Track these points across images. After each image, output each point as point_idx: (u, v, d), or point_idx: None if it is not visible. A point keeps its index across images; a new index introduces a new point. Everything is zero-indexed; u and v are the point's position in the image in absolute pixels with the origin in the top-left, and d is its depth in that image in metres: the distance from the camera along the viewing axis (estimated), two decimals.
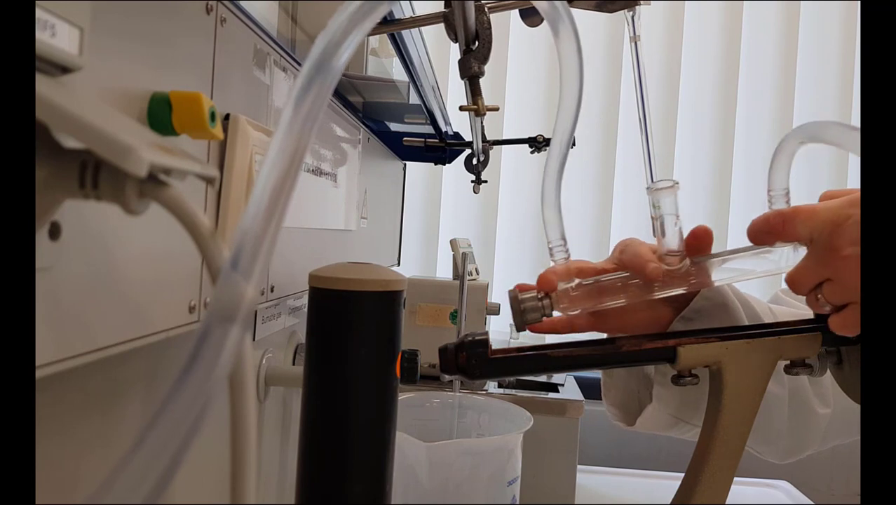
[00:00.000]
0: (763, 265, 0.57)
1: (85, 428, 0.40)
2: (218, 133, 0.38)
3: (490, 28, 0.56)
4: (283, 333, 0.76)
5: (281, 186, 0.26)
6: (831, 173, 2.02)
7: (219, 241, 0.28)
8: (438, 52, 1.71)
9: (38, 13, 0.24)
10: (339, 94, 0.89)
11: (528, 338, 1.39)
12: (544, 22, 0.62)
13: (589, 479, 1.37)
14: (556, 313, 0.58)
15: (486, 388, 1.25)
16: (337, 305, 0.47)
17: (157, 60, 0.39)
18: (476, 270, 1.41)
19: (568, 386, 1.33)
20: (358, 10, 0.29)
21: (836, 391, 0.74)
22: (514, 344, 0.61)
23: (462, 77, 0.58)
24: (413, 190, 1.94)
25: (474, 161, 1.24)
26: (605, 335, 0.64)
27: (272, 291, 0.65)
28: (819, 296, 0.54)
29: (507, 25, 1.90)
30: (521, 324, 0.58)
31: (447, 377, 0.60)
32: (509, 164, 1.98)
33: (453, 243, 1.37)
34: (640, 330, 0.62)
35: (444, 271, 1.97)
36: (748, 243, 0.58)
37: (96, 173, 0.26)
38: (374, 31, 0.67)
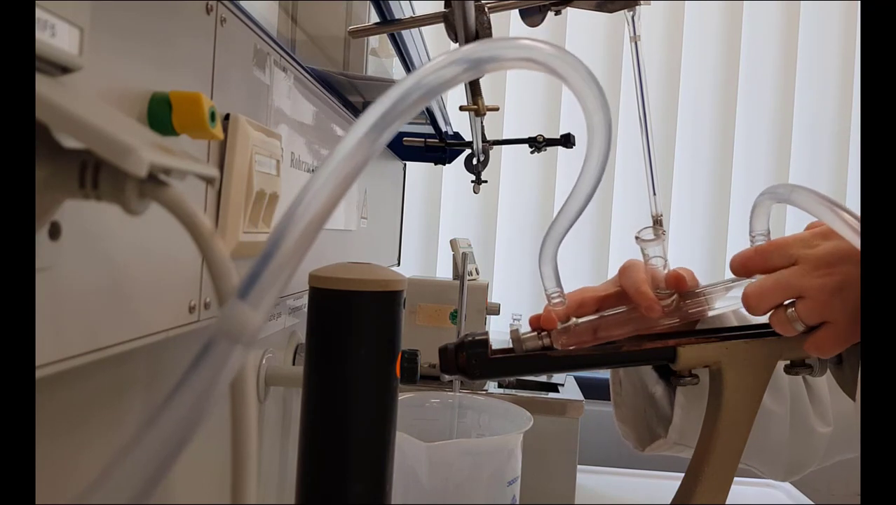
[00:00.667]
0: None
1: (85, 428, 0.40)
2: (218, 133, 0.38)
3: (490, 28, 0.56)
4: (283, 333, 0.76)
5: (312, 229, 0.25)
6: (831, 173, 2.02)
7: (219, 242, 0.28)
8: (438, 52, 1.71)
9: (38, 13, 0.24)
10: (339, 94, 0.89)
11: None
12: (544, 21, 0.62)
13: (589, 479, 1.37)
14: None
15: (486, 388, 1.25)
16: (337, 305, 0.47)
17: (157, 60, 0.39)
18: (476, 269, 1.41)
19: (568, 386, 1.33)
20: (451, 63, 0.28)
21: (837, 409, 0.74)
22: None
23: None
24: (413, 190, 1.94)
25: (474, 161, 1.24)
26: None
27: None
28: (790, 311, 0.54)
29: (507, 25, 1.90)
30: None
31: (447, 377, 0.61)
32: (509, 164, 1.98)
33: (453, 243, 1.37)
34: None
35: (444, 271, 1.97)
36: (748, 243, 0.58)
37: (96, 173, 0.26)
38: (373, 32, 0.67)
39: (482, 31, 0.56)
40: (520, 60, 0.31)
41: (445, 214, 2.00)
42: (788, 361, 0.59)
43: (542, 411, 1.16)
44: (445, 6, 0.57)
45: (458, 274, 1.17)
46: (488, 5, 0.57)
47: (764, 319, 0.66)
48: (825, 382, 0.75)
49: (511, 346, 0.58)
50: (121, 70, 0.35)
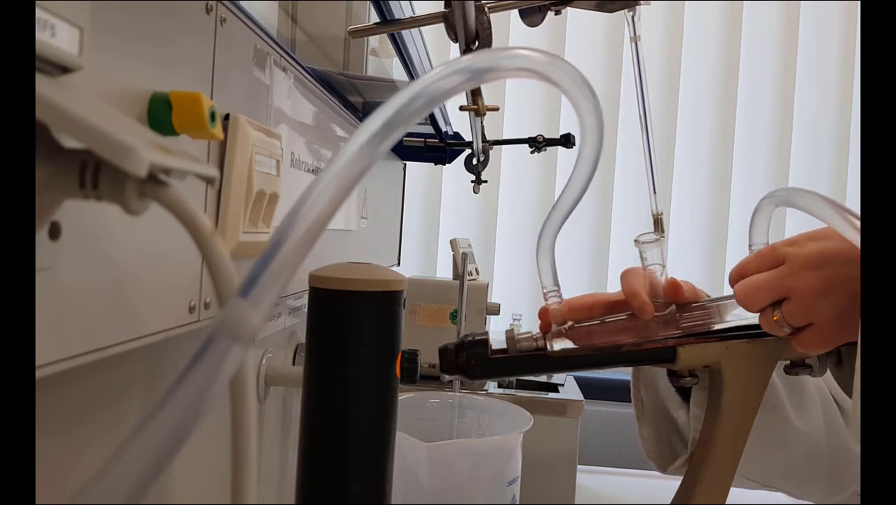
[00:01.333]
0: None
1: (85, 428, 0.40)
2: (218, 133, 0.38)
3: (490, 28, 0.56)
4: (283, 333, 0.76)
5: (313, 232, 0.25)
6: (831, 173, 2.02)
7: (219, 241, 0.28)
8: (438, 52, 1.71)
9: (38, 13, 0.24)
10: (339, 94, 0.89)
11: None
12: (544, 21, 0.62)
13: (589, 479, 1.37)
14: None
15: (486, 388, 1.25)
16: (337, 305, 0.47)
17: (157, 60, 0.39)
18: (476, 269, 1.41)
19: (568, 386, 1.33)
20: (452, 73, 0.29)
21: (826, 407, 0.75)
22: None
23: None
24: (413, 190, 1.93)
25: (474, 161, 1.24)
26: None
27: None
28: (776, 316, 0.54)
29: (507, 25, 1.90)
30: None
31: (447, 377, 0.61)
32: (509, 164, 1.98)
33: (453, 243, 1.37)
34: None
35: (444, 271, 1.97)
36: (748, 241, 0.58)
37: (96, 173, 0.26)
38: (373, 32, 0.67)
39: (482, 31, 0.56)
40: (518, 70, 0.32)
41: (445, 214, 2.00)
42: (788, 361, 0.59)
43: (542, 411, 1.16)
44: (445, 6, 0.57)
45: (458, 274, 1.17)
46: (488, 5, 0.57)
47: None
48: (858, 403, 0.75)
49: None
50: (121, 70, 0.35)
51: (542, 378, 1.35)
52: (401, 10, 0.64)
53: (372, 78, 1.01)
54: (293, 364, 0.79)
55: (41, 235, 0.29)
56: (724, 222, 2.00)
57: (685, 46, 1.99)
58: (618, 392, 1.85)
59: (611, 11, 0.59)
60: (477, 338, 0.57)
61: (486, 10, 0.56)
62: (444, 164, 1.47)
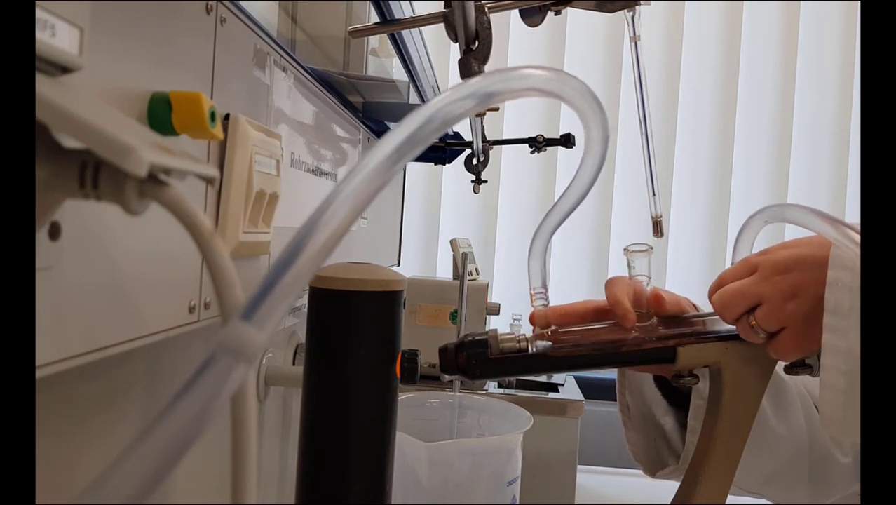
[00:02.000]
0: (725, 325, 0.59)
1: (85, 428, 0.40)
2: (218, 133, 0.38)
3: (490, 28, 0.56)
4: (283, 333, 0.76)
5: (321, 256, 0.25)
6: (831, 173, 2.02)
7: (219, 241, 0.28)
8: (438, 52, 1.71)
9: (38, 13, 0.24)
10: (339, 94, 0.89)
11: None
12: (544, 21, 0.62)
13: (589, 479, 1.37)
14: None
15: (486, 388, 1.25)
16: (337, 305, 0.47)
17: (157, 60, 0.39)
18: (476, 270, 1.41)
19: (568, 386, 1.33)
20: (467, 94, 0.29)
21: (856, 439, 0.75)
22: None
23: (462, 77, 0.58)
24: (413, 190, 1.93)
25: (474, 161, 1.24)
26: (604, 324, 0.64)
27: None
28: (752, 322, 0.55)
29: (507, 25, 1.90)
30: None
31: (447, 377, 0.61)
32: (509, 164, 1.98)
33: (453, 243, 1.37)
34: None
35: (444, 271, 1.97)
36: (731, 258, 0.60)
37: (96, 173, 0.26)
38: (373, 32, 0.67)
39: (482, 31, 0.56)
40: (528, 91, 0.32)
41: (445, 214, 2.00)
42: (788, 362, 0.59)
43: (542, 411, 1.16)
44: (445, 6, 0.57)
45: (458, 274, 1.17)
46: (488, 5, 0.57)
47: None
48: None
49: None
50: (121, 70, 0.35)
51: (542, 378, 1.35)
52: (401, 10, 0.64)
53: (372, 78, 1.01)
54: (293, 364, 0.79)
55: (41, 235, 0.29)
56: (723, 224, 2.00)
57: (685, 46, 1.99)
58: None
59: (611, 11, 0.59)
60: (477, 338, 0.57)
61: (486, 10, 0.56)
62: (444, 164, 1.47)
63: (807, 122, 2.01)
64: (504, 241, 1.99)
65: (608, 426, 1.58)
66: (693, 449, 0.63)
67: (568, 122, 1.95)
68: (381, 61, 0.98)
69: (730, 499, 0.60)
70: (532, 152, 1.24)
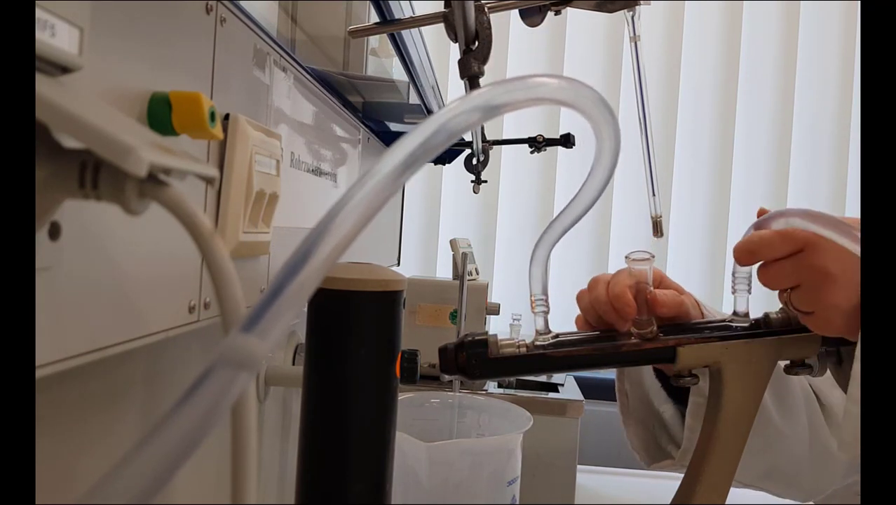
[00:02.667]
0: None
1: (85, 428, 0.40)
2: (218, 133, 0.38)
3: (490, 28, 0.56)
4: (283, 334, 0.76)
5: (324, 268, 0.25)
6: (831, 173, 2.02)
7: (219, 241, 0.28)
8: (438, 52, 1.71)
9: (38, 13, 0.24)
10: (339, 94, 0.89)
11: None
12: (544, 21, 0.62)
13: (589, 479, 1.37)
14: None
15: (486, 388, 1.25)
16: (337, 305, 0.47)
17: (157, 60, 0.39)
18: (476, 270, 1.41)
19: (568, 386, 1.33)
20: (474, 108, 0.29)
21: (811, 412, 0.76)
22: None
23: (462, 77, 0.58)
24: (413, 190, 1.93)
25: (474, 161, 1.24)
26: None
27: None
28: (787, 299, 0.56)
29: (507, 25, 1.90)
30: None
31: (447, 377, 0.61)
32: (509, 164, 1.98)
33: (453, 243, 1.37)
34: None
35: (444, 271, 1.97)
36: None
37: (96, 173, 0.26)
38: (373, 32, 0.67)
39: (482, 31, 0.56)
40: (538, 100, 0.32)
41: (445, 214, 2.00)
42: (788, 362, 0.59)
43: (542, 411, 1.16)
44: (445, 6, 0.57)
45: (458, 274, 1.16)
46: (488, 5, 0.57)
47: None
48: (842, 406, 0.77)
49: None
50: (121, 70, 0.35)
51: (542, 378, 1.35)
52: (401, 10, 0.64)
53: (372, 78, 1.01)
54: (293, 364, 0.79)
55: (41, 235, 0.29)
56: (724, 223, 2.00)
57: (685, 46, 1.99)
58: None
59: (611, 11, 0.59)
60: (477, 338, 0.57)
61: (486, 10, 0.56)
62: (444, 164, 1.47)
63: (807, 122, 2.01)
64: (504, 241, 1.99)
65: (608, 426, 1.58)
66: (692, 444, 0.63)
67: (568, 122, 1.95)
68: (381, 61, 0.98)
69: (742, 492, 0.60)
70: (532, 152, 1.24)
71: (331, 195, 0.84)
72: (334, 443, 0.47)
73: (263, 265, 0.59)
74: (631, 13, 0.58)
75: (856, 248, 0.46)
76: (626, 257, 0.57)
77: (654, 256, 0.57)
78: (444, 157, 1.43)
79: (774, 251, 0.55)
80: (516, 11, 0.61)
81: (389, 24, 0.64)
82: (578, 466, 1.20)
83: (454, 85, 1.86)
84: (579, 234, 1.97)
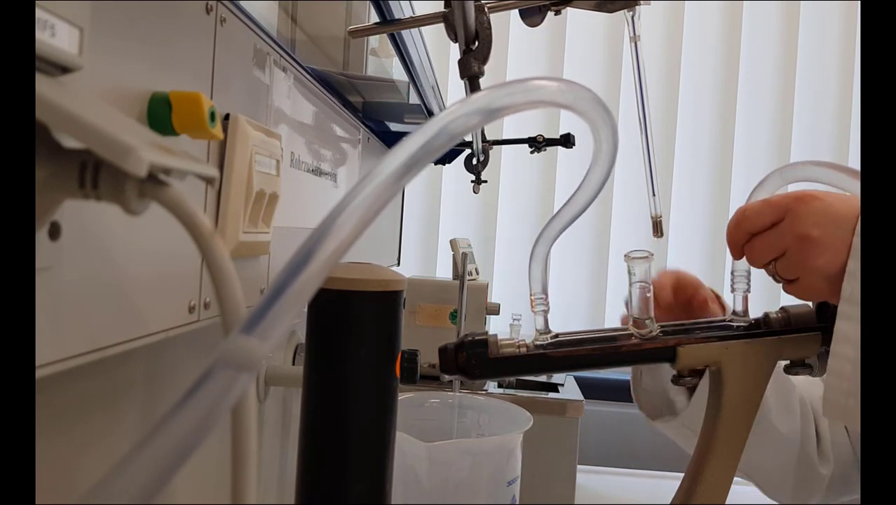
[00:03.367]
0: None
1: (85, 428, 0.40)
2: (218, 133, 0.38)
3: (490, 28, 0.56)
4: (284, 336, 0.76)
5: (326, 268, 0.25)
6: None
7: (219, 241, 0.28)
8: (438, 52, 1.71)
9: (38, 13, 0.24)
10: (339, 94, 0.89)
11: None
12: (544, 21, 0.62)
13: (589, 479, 1.37)
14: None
15: (486, 388, 1.25)
16: (337, 305, 0.47)
17: (157, 60, 0.39)
18: (476, 270, 1.41)
19: (568, 386, 1.33)
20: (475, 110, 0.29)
21: (836, 452, 0.78)
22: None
23: (462, 77, 0.58)
24: (413, 190, 1.93)
25: (474, 161, 1.24)
26: (605, 328, 0.64)
27: None
28: (773, 269, 0.57)
29: (507, 25, 1.90)
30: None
31: (447, 377, 0.61)
32: (509, 164, 1.98)
33: (453, 243, 1.37)
34: None
35: (444, 271, 1.97)
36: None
37: (96, 173, 0.26)
38: (373, 32, 0.67)
39: (482, 31, 0.56)
40: (537, 103, 0.32)
41: (445, 214, 2.00)
42: (788, 361, 0.59)
43: (542, 411, 1.16)
44: (445, 6, 0.57)
45: (458, 274, 1.16)
46: (488, 5, 0.57)
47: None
48: (830, 425, 0.79)
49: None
50: (121, 70, 0.35)
51: (542, 378, 1.35)
52: (401, 10, 0.64)
53: (372, 78, 1.01)
54: (293, 364, 0.79)
55: (41, 235, 0.29)
56: (723, 222, 1.99)
57: (685, 46, 1.99)
58: (618, 392, 1.84)
59: (611, 11, 0.59)
60: (477, 338, 0.57)
61: (486, 10, 0.56)
62: (444, 164, 1.47)
63: (807, 122, 2.01)
64: (504, 241, 1.99)
65: (608, 426, 1.59)
66: (698, 413, 0.63)
67: (568, 122, 1.94)
68: (381, 61, 0.98)
69: (742, 492, 0.60)
70: (532, 152, 1.24)
71: (331, 195, 0.84)
72: (334, 443, 0.47)
73: (263, 265, 0.59)
74: (631, 13, 0.58)
75: (856, 186, 0.48)
76: (625, 256, 0.57)
77: (652, 255, 0.57)
78: (445, 158, 1.43)
79: (761, 218, 0.57)
80: (516, 11, 0.61)
81: (389, 24, 0.64)
82: (578, 466, 1.20)
83: (454, 85, 1.86)
84: (579, 234, 1.97)
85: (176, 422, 0.22)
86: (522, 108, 0.31)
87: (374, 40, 0.94)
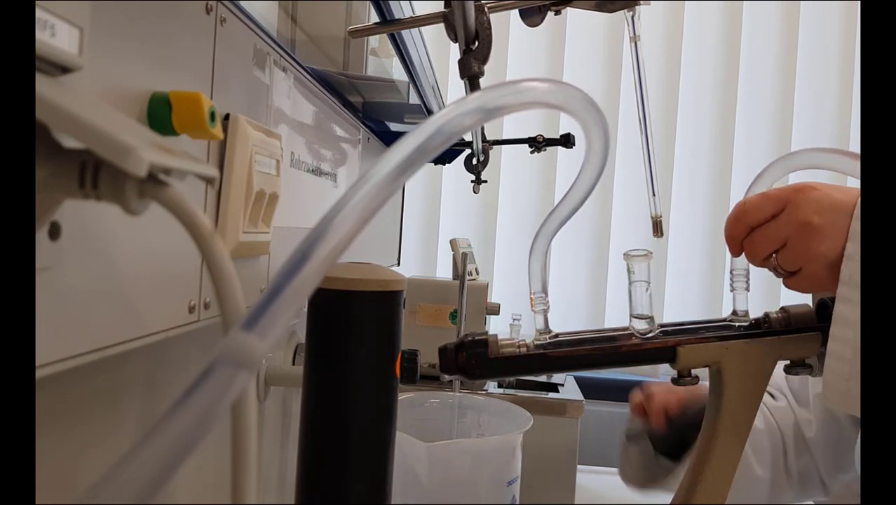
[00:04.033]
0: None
1: (85, 428, 0.40)
2: (218, 133, 0.38)
3: (490, 28, 0.56)
4: (283, 334, 0.76)
5: (325, 266, 0.25)
6: (831, 172, 2.01)
7: (219, 241, 0.28)
8: (438, 52, 1.71)
9: (38, 13, 0.24)
10: (339, 94, 0.89)
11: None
12: (544, 21, 0.62)
13: (589, 479, 1.37)
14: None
15: (486, 388, 1.25)
16: (337, 305, 0.47)
17: (157, 60, 0.39)
18: (476, 270, 1.41)
19: (568, 386, 1.33)
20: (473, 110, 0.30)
21: (776, 456, 0.80)
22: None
23: (462, 77, 0.58)
24: (413, 190, 1.93)
25: (474, 161, 1.24)
26: (605, 328, 0.64)
27: None
28: (774, 263, 0.57)
29: (507, 25, 1.90)
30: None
31: (447, 377, 0.61)
32: (509, 164, 1.98)
33: (453, 243, 1.37)
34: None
35: (444, 271, 1.97)
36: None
37: (96, 173, 0.26)
38: (373, 32, 0.67)
39: (482, 31, 0.56)
40: (529, 104, 0.33)
41: (445, 214, 2.00)
42: (788, 362, 0.59)
43: (542, 411, 1.16)
44: (445, 6, 0.57)
45: (458, 274, 1.16)
46: (488, 5, 0.57)
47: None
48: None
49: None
50: (121, 70, 0.35)
51: (542, 378, 1.35)
52: (401, 10, 0.64)
53: (372, 78, 1.01)
54: (293, 364, 0.79)
55: (41, 235, 0.29)
56: (723, 222, 2.00)
57: (685, 46, 1.99)
58: (618, 392, 1.84)
59: (611, 11, 0.59)
60: (477, 338, 0.57)
61: (486, 10, 0.56)
62: (444, 164, 1.47)
63: (807, 122, 2.01)
64: (504, 241, 1.99)
65: (608, 426, 1.58)
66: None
67: (568, 122, 1.94)
68: (381, 61, 0.98)
69: (729, 497, 0.60)
70: (532, 152, 1.24)
71: (331, 195, 0.84)
72: (334, 443, 0.47)
73: (263, 265, 0.59)
74: (631, 13, 0.58)
75: (855, 167, 0.48)
76: (624, 255, 0.58)
77: (651, 253, 0.57)
78: (444, 157, 1.43)
79: (760, 210, 0.57)
80: (516, 11, 0.61)
81: (389, 24, 0.64)
82: (578, 466, 1.20)
83: (454, 85, 1.86)
84: (579, 234, 1.97)
85: (175, 419, 0.22)
86: (515, 110, 0.32)
87: (374, 40, 0.94)
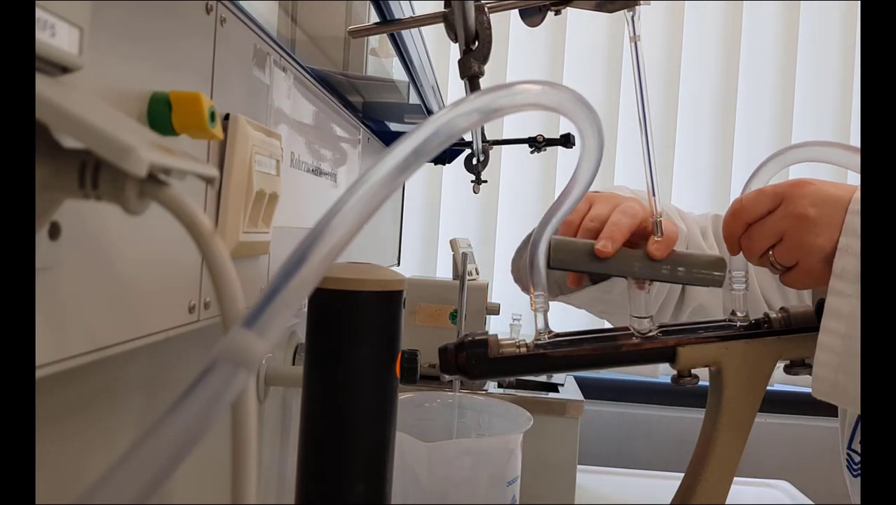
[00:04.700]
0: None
1: (85, 428, 0.40)
2: (218, 133, 0.38)
3: (490, 28, 0.56)
4: (283, 333, 0.76)
5: (325, 264, 0.25)
6: (832, 173, 2.02)
7: (219, 241, 0.28)
8: (438, 52, 1.71)
9: (38, 13, 0.24)
10: (339, 94, 0.89)
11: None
12: (544, 21, 0.62)
13: (589, 479, 1.37)
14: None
15: (486, 388, 1.25)
16: (337, 305, 0.47)
17: (157, 60, 0.39)
18: (476, 269, 1.41)
19: (568, 386, 1.33)
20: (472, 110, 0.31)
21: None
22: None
23: (462, 77, 0.58)
24: (413, 190, 1.93)
25: (474, 161, 1.24)
26: (605, 328, 0.64)
27: None
28: (771, 257, 0.57)
29: (507, 25, 1.90)
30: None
31: (447, 377, 0.61)
32: (509, 164, 1.98)
33: (453, 243, 1.37)
34: None
35: (444, 271, 1.97)
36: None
37: (96, 173, 0.26)
38: (373, 32, 0.67)
39: (482, 31, 0.56)
40: (524, 106, 0.34)
41: (445, 214, 2.00)
42: (788, 361, 0.59)
43: (542, 411, 1.16)
44: (445, 6, 0.57)
45: (458, 274, 1.16)
46: (488, 5, 0.57)
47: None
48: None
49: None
50: (121, 70, 0.35)
51: (542, 378, 1.35)
52: (401, 10, 0.64)
53: (372, 78, 1.01)
54: (293, 364, 0.79)
55: (41, 235, 0.29)
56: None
57: (685, 46, 1.99)
58: (618, 392, 1.85)
59: (611, 11, 0.59)
60: (477, 338, 0.57)
61: (486, 10, 0.56)
62: (444, 164, 1.47)
63: (807, 122, 2.01)
64: (504, 241, 1.99)
65: (608, 426, 1.59)
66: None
67: (567, 122, 1.94)
68: (381, 61, 0.98)
69: (742, 492, 0.60)
70: (532, 152, 1.24)
71: (331, 195, 0.84)
72: (334, 443, 0.47)
73: (263, 265, 0.59)
74: (631, 13, 0.58)
75: (856, 160, 0.48)
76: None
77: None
78: (444, 157, 1.43)
79: (758, 206, 0.57)
80: (516, 11, 0.61)
81: (389, 24, 0.64)
82: (578, 466, 1.20)
83: (454, 85, 1.86)
84: None
85: (175, 418, 0.22)
86: (510, 112, 0.33)
87: (374, 40, 0.94)
